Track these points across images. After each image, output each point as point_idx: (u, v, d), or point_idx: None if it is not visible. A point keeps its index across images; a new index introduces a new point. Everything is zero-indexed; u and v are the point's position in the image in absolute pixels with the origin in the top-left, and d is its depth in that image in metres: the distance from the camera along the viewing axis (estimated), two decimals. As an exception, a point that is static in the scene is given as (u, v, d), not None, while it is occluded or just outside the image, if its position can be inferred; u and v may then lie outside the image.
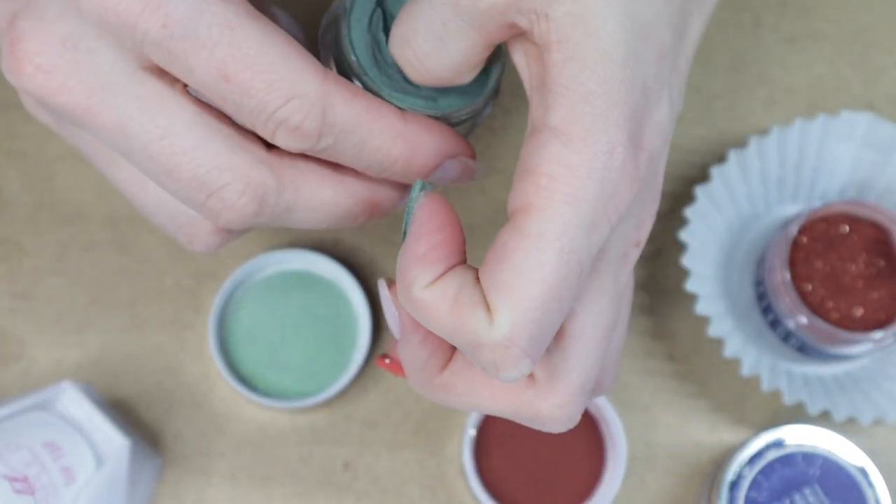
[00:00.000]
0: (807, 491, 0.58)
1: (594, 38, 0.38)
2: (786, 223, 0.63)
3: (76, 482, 0.56)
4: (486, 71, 0.49)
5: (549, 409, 0.41)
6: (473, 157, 0.46)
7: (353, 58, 0.49)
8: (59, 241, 0.65)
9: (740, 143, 0.67)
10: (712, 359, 0.65)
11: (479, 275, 0.39)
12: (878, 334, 0.60)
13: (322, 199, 0.43)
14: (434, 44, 0.41)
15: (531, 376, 0.42)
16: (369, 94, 0.43)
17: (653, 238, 0.67)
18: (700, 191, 0.63)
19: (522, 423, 0.42)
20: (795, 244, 0.63)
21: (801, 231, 0.63)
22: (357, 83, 0.49)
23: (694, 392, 0.65)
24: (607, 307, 0.41)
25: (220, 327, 0.63)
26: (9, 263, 0.65)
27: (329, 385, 0.63)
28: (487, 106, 0.51)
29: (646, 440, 0.64)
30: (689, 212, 0.63)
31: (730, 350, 0.61)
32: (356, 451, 0.64)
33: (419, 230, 0.40)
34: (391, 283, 0.42)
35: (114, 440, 0.57)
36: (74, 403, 0.58)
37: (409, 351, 0.42)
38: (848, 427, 0.63)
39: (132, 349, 0.64)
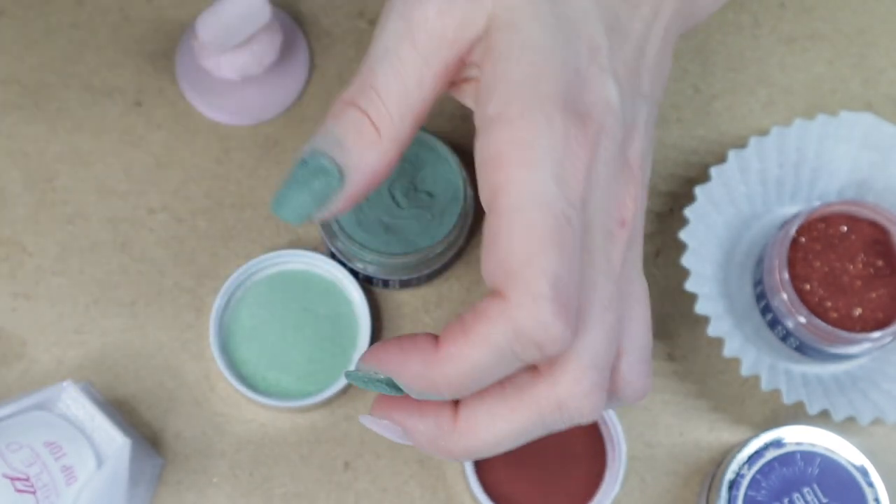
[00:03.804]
0: (805, 490, 0.59)
1: (518, 37, 0.40)
2: (785, 223, 0.63)
3: (77, 481, 0.56)
4: (442, 217, 0.62)
5: (567, 390, 0.40)
6: None
7: (335, 225, 0.61)
8: (59, 241, 0.66)
9: (740, 144, 0.67)
10: (712, 359, 0.66)
11: (482, 272, 0.40)
12: (876, 334, 0.60)
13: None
14: (394, 78, 0.42)
15: (536, 371, 0.41)
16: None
17: (653, 238, 0.67)
18: (700, 191, 0.64)
19: (553, 425, 0.42)
20: (794, 244, 0.63)
21: (800, 231, 0.63)
22: (341, 241, 0.62)
23: (693, 392, 0.65)
24: (601, 283, 0.41)
25: (221, 327, 0.63)
26: (10, 263, 0.65)
27: (329, 385, 0.63)
28: (460, 236, 0.63)
29: (645, 440, 0.64)
30: (689, 212, 0.63)
31: (729, 350, 0.61)
32: (356, 450, 0.64)
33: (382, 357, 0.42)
34: (373, 411, 0.44)
35: (115, 440, 0.57)
36: (75, 403, 0.58)
37: (420, 430, 0.43)
38: (847, 427, 0.63)
39: (133, 349, 0.64)
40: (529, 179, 0.39)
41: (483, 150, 0.40)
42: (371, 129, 0.42)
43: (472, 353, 0.39)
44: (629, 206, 0.43)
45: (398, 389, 0.42)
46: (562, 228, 0.39)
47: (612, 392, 0.43)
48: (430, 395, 0.41)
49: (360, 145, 0.42)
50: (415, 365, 0.40)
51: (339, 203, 0.42)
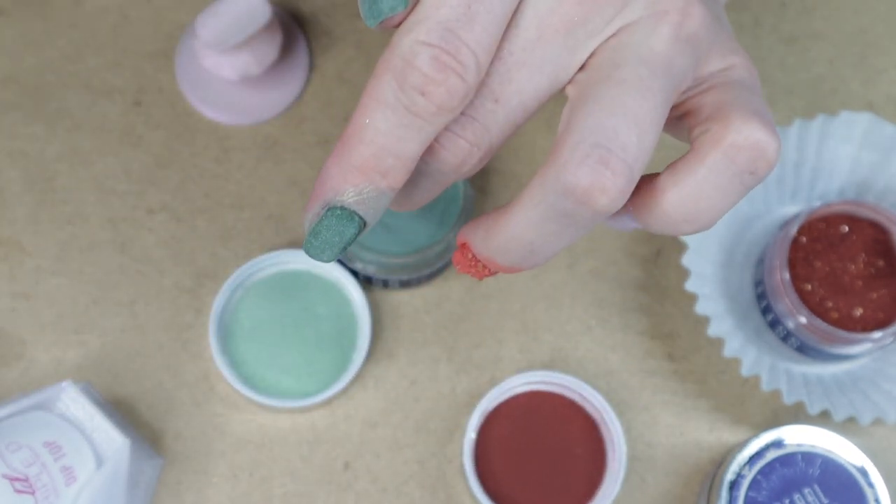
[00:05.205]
0: (806, 491, 0.59)
1: None
2: (785, 223, 0.63)
3: (77, 482, 0.56)
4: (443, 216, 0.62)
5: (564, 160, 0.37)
6: None
7: None
8: (59, 241, 0.66)
9: (740, 144, 0.67)
10: (712, 359, 0.65)
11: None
12: (877, 334, 0.60)
13: None
14: None
15: None
16: None
17: (653, 238, 0.67)
18: (700, 191, 0.63)
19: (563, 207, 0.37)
20: (795, 244, 0.63)
21: (801, 231, 0.63)
22: None
23: (694, 392, 0.65)
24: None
25: (221, 327, 0.63)
26: (9, 263, 0.65)
27: (329, 385, 0.63)
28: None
29: (646, 440, 0.64)
30: (689, 212, 0.63)
31: (729, 350, 0.61)
32: (356, 451, 0.64)
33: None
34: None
35: (114, 440, 0.57)
36: (75, 403, 0.58)
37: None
38: (847, 427, 0.63)
39: (132, 349, 0.64)
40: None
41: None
42: None
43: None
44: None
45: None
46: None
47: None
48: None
49: None
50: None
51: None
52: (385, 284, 0.64)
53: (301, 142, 0.67)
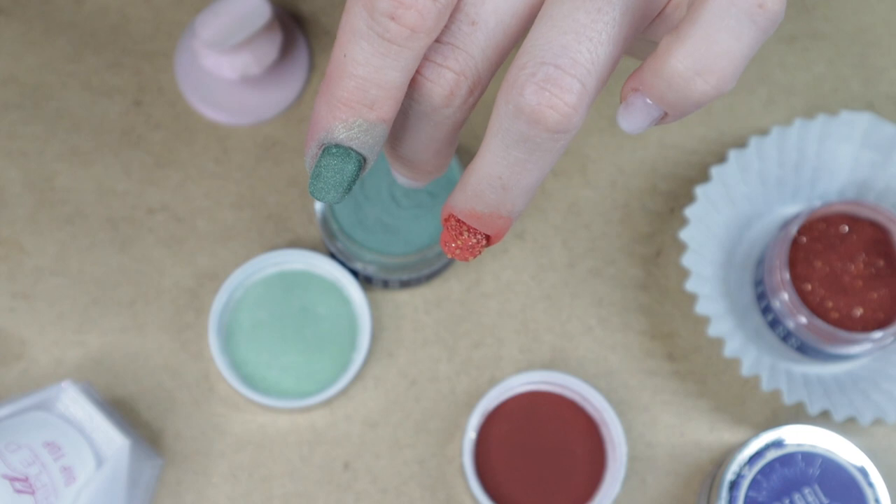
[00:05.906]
0: (806, 491, 0.59)
1: None
2: (785, 223, 0.63)
3: (76, 482, 0.56)
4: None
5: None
6: None
7: (335, 225, 0.61)
8: (59, 241, 0.66)
9: (740, 143, 0.67)
10: (712, 359, 0.65)
11: None
12: (877, 334, 0.60)
13: None
14: None
15: None
16: None
17: (653, 238, 0.67)
18: (700, 191, 0.63)
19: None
20: (795, 244, 0.63)
21: (801, 231, 0.63)
22: (341, 241, 0.62)
23: (694, 392, 0.65)
24: None
25: (221, 327, 0.63)
26: (9, 263, 0.65)
27: (329, 385, 0.63)
28: None
29: (646, 440, 0.64)
30: (689, 212, 0.63)
31: (730, 350, 0.61)
32: (356, 451, 0.64)
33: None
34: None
35: (114, 440, 0.57)
36: (75, 403, 0.58)
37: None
38: (847, 427, 0.63)
39: (132, 349, 0.64)
40: None
41: None
42: None
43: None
44: None
45: None
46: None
47: None
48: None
49: None
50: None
51: None
52: (385, 284, 0.64)
53: (301, 142, 0.67)
